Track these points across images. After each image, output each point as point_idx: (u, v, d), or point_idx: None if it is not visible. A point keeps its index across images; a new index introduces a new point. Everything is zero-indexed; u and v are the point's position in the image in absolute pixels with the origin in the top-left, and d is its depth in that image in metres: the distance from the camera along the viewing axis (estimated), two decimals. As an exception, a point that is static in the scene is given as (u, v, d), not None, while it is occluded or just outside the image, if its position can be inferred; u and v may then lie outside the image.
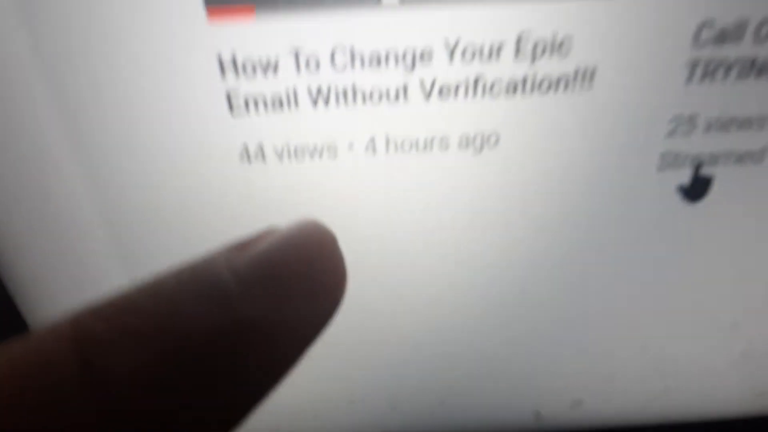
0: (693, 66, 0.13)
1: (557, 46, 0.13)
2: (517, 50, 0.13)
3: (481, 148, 0.14)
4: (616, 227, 0.15)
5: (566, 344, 0.18)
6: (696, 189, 0.15)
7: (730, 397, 0.19)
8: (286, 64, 0.13)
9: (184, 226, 0.15)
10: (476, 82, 0.13)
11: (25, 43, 0.12)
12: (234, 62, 0.12)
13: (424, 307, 0.17)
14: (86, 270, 0.16)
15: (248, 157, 0.14)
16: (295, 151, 0.14)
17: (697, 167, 0.15)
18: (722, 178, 0.15)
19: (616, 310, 0.17)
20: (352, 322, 0.17)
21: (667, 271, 0.16)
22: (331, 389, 0.19)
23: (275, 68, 0.13)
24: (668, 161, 0.14)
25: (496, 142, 0.14)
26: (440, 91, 0.13)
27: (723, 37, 0.13)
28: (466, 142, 0.14)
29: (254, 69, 0.13)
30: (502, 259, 0.16)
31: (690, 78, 0.13)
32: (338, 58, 0.13)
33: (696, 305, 0.17)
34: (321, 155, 0.14)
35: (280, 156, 0.14)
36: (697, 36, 0.13)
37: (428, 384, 0.19)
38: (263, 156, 0.14)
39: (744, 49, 0.13)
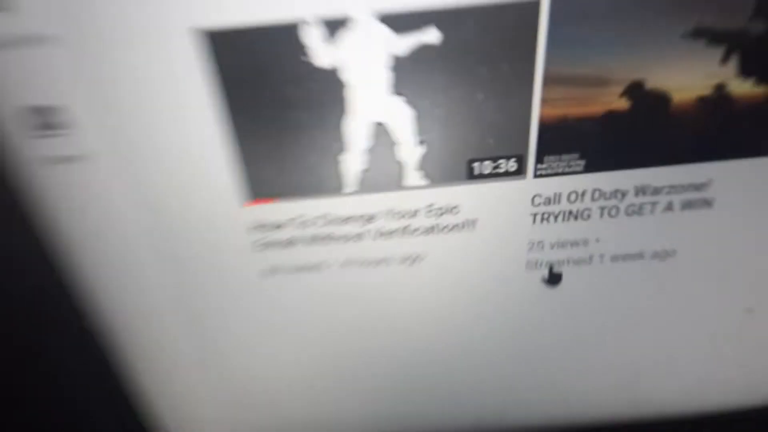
0: (534, 216, 0.21)
1: (451, 209, 0.21)
2: (429, 211, 0.21)
3: (412, 263, 0.22)
4: (504, 308, 0.24)
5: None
6: (552, 279, 0.23)
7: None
8: (290, 224, 0.21)
9: (238, 329, 0.23)
10: (405, 229, 0.21)
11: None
12: (260, 224, 0.21)
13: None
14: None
15: (266, 273, 0.22)
16: (297, 269, 0.22)
17: (550, 268, 0.23)
18: (568, 272, 0.23)
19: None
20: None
21: (535, 335, 0.25)
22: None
23: (282, 227, 0.21)
24: (531, 265, 0.23)
25: (421, 259, 0.22)
26: (382, 235, 0.21)
27: (548, 201, 0.21)
28: (401, 260, 0.22)
29: (271, 227, 0.21)
30: (439, 329, 0.25)
31: (534, 221, 0.21)
32: (320, 222, 0.21)
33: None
34: (315, 271, 0.22)
35: (289, 272, 0.22)
36: (533, 201, 0.21)
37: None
38: (276, 272, 0.22)
39: (563, 206, 0.21)
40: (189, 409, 0.27)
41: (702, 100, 0.19)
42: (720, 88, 0.19)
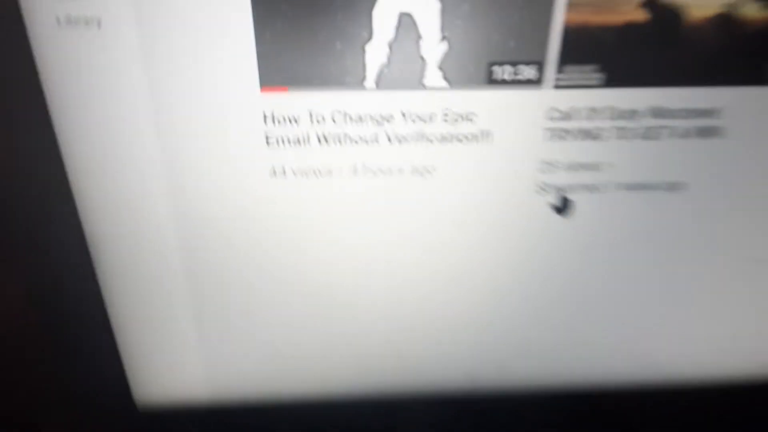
0: (549, 132, 0.21)
1: (467, 117, 0.21)
2: (445, 117, 0.21)
3: (424, 175, 0.22)
4: (510, 235, 0.23)
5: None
6: (563, 206, 0.23)
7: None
8: (304, 118, 0.20)
9: (233, 233, 0.23)
10: (420, 134, 0.21)
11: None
12: (273, 116, 0.20)
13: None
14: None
15: (275, 174, 0.22)
16: (306, 171, 0.22)
17: (562, 194, 0.23)
18: (578, 200, 0.23)
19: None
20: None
21: (539, 268, 0.24)
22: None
23: (297, 121, 0.20)
24: (542, 188, 0.23)
25: (433, 171, 0.22)
26: (396, 139, 0.21)
27: (565, 116, 0.21)
28: (415, 170, 0.22)
29: (284, 120, 0.20)
30: (450, 254, 0.24)
31: (548, 138, 0.21)
32: (337, 117, 0.21)
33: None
34: (323, 175, 0.22)
35: (296, 174, 0.22)
36: (550, 114, 0.21)
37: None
38: (285, 174, 0.22)
39: (578, 123, 0.21)
40: (177, 366, 0.25)
41: (717, 19, 0.20)
42: (734, 8, 0.19)
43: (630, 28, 0.20)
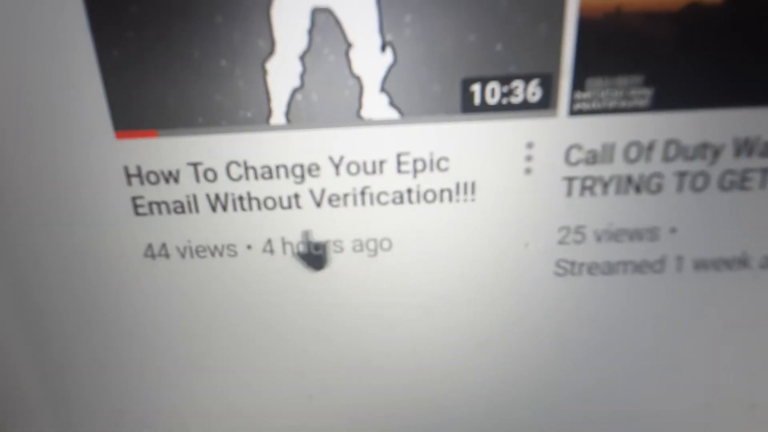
0: (569, 183, 0.14)
1: (435, 163, 0.13)
2: (401, 165, 0.14)
3: (374, 253, 0.14)
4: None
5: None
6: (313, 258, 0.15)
7: None
8: (187, 175, 0.14)
9: (98, 323, 0.16)
10: (363, 193, 0.14)
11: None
12: (139, 172, 0.14)
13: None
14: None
15: (152, 254, 0.15)
16: (197, 250, 0.15)
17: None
18: (625, 282, 0.15)
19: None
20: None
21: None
22: None
23: (176, 178, 0.14)
24: (565, 269, 0.15)
25: (389, 248, 0.14)
26: (328, 201, 0.14)
27: (594, 157, 0.13)
28: (360, 246, 0.14)
29: (157, 178, 0.14)
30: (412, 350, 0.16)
31: (569, 192, 0.14)
32: (233, 171, 0.14)
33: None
34: (222, 254, 0.15)
35: (182, 254, 0.15)
36: (569, 156, 0.13)
37: None
38: (167, 254, 0.15)
39: (617, 167, 0.13)
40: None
41: None
42: None
43: (694, 11, 0.12)
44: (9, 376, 0.17)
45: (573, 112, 0.13)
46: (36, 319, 0.15)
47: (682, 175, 0.13)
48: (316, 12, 0.12)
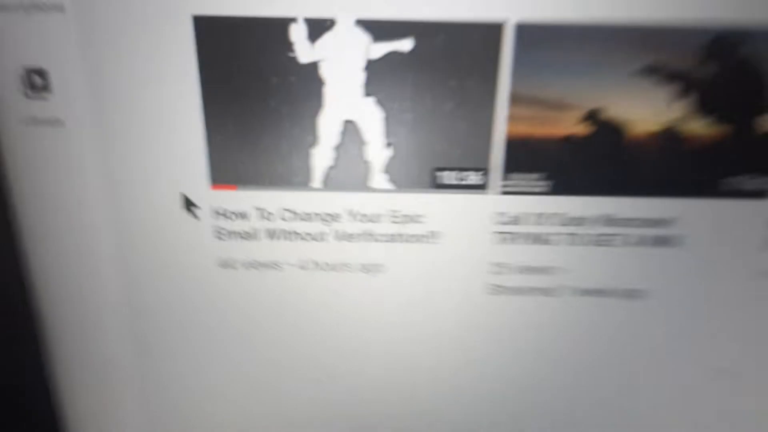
0: (498, 235, 0.21)
1: (415, 218, 0.21)
2: (392, 217, 0.21)
3: (372, 272, 0.22)
4: (463, 336, 0.23)
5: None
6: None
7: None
8: (253, 215, 0.21)
9: (188, 321, 0.22)
10: (367, 233, 0.21)
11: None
12: (223, 212, 0.21)
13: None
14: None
15: (225, 266, 0.22)
16: (256, 265, 0.22)
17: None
18: (533, 302, 0.22)
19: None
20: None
21: (490, 368, 0.23)
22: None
23: (245, 216, 0.21)
24: (494, 290, 0.22)
25: (382, 270, 0.22)
26: (344, 237, 0.21)
27: (514, 220, 0.21)
28: (362, 268, 0.22)
29: (234, 216, 0.21)
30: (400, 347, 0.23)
31: (498, 241, 0.21)
32: (284, 215, 0.21)
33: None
34: (272, 269, 0.22)
35: (246, 267, 0.22)
36: (498, 218, 0.21)
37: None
38: (234, 266, 0.22)
39: (529, 228, 0.21)
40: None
41: (658, 135, 0.20)
42: (674, 125, 0.20)
43: (573, 140, 0.20)
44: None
45: (502, 192, 0.20)
46: (137, 319, 0.22)
47: (570, 234, 0.21)
48: (345, 122, 0.20)
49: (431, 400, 0.24)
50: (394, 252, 0.22)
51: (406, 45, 0.19)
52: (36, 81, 0.19)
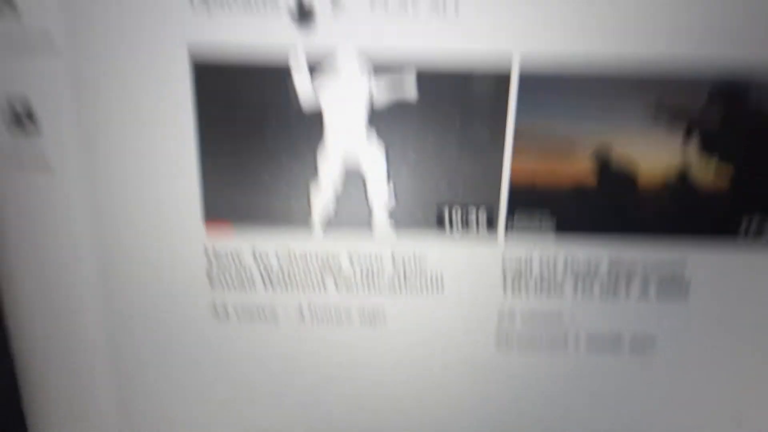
0: (504, 279, 0.20)
1: (417, 259, 0.20)
2: (394, 260, 0.20)
3: (373, 323, 0.21)
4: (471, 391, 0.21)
5: None
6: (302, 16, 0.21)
7: None
8: (251, 255, 0.20)
9: (175, 367, 0.21)
10: (369, 276, 0.20)
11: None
12: (215, 252, 0.20)
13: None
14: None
15: (218, 314, 0.20)
16: (248, 313, 0.21)
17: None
18: (542, 356, 0.21)
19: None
20: None
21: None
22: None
23: (241, 258, 0.20)
24: (502, 341, 0.21)
25: (383, 319, 0.21)
26: (344, 281, 0.20)
27: (520, 263, 0.20)
28: (363, 318, 0.21)
29: (227, 257, 0.20)
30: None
31: (505, 287, 0.20)
32: (282, 255, 0.20)
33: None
34: (267, 318, 0.21)
35: (239, 315, 0.21)
36: (504, 262, 0.20)
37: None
38: (227, 314, 0.21)
39: (535, 271, 0.20)
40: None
41: (664, 177, 0.20)
42: (681, 169, 0.19)
43: (578, 183, 0.20)
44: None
45: (507, 235, 0.20)
46: (121, 355, 0.21)
47: (576, 277, 0.20)
48: (348, 172, 0.19)
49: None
50: (395, 298, 0.21)
51: (410, 95, 0.19)
52: (25, 122, 0.18)
